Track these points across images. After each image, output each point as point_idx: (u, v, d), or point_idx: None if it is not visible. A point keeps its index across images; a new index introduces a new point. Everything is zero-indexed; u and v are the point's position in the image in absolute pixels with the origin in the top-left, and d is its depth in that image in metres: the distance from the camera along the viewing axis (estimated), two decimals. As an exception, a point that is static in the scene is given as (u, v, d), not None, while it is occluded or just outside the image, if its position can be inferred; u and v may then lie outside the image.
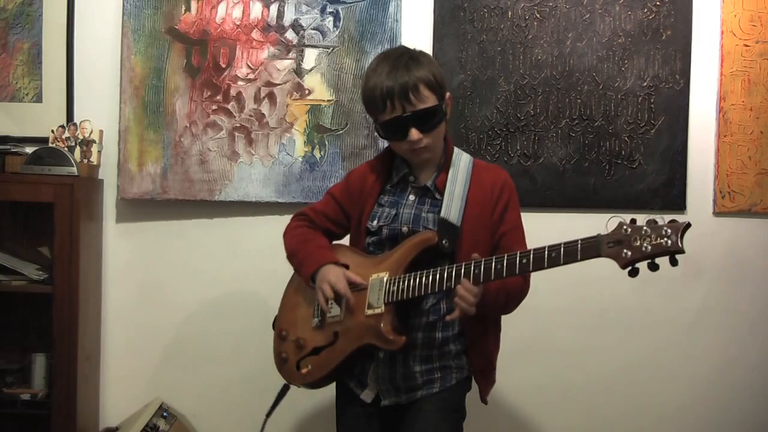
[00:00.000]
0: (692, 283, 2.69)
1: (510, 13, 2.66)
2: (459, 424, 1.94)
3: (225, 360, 2.74)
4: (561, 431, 2.72)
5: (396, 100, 1.79)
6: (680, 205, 2.67)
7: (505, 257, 1.66)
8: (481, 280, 1.69)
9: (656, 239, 1.49)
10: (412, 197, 1.91)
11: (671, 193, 2.65)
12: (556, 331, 2.69)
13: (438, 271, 1.75)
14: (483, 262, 1.68)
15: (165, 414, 2.60)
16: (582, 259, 1.57)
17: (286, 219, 2.68)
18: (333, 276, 1.85)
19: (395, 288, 1.79)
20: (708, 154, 2.68)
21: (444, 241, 1.80)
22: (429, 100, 1.81)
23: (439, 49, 2.66)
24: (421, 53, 1.89)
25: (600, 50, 2.65)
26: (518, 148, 2.66)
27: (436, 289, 1.75)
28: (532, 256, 1.62)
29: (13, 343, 2.68)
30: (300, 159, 2.67)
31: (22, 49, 2.70)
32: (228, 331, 2.73)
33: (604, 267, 2.66)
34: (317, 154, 2.67)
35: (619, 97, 2.65)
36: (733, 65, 2.66)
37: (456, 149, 1.94)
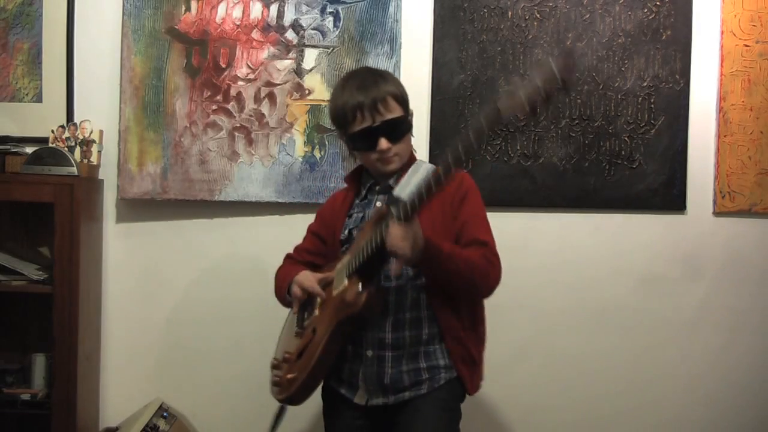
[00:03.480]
0: (692, 283, 2.69)
1: (510, 13, 2.66)
2: (456, 425, 1.94)
3: (225, 360, 2.74)
4: (560, 431, 2.72)
5: (366, 111, 1.87)
6: (680, 205, 2.66)
7: (431, 173, 1.62)
8: (409, 211, 1.65)
9: (544, 75, 1.43)
10: (378, 203, 1.95)
11: (671, 193, 2.65)
12: (556, 331, 2.69)
13: (378, 226, 1.74)
14: (407, 199, 1.66)
15: (165, 414, 2.59)
16: (489, 129, 1.51)
17: (286, 219, 2.71)
18: (301, 277, 1.95)
19: (354, 261, 1.83)
20: (708, 154, 2.68)
21: (392, 210, 1.77)
22: (396, 110, 1.89)
23: (439, 49, 2.66)
24: (387, 72, 2.03)
25: (600, 50, 2.65)
26: (518, 148, 2.66)
27: (378, 239, 1.73)
28: (449, 155, 1.57)
29: (13, 343, 2.68)
30: (300, 159, 2.67)
31: (22, 49, 2.70)
32: (228, 331, 2.73)
33: (604, 267, 2.68)
34: (317, 154, 2.67)
35: (619, 97, 2.65)
36: (733, 65, 2.66)
37: (419, 159, 1.98)
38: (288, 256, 2.17)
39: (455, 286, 1.84)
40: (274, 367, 2.03)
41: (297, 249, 2.16)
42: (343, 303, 1.82)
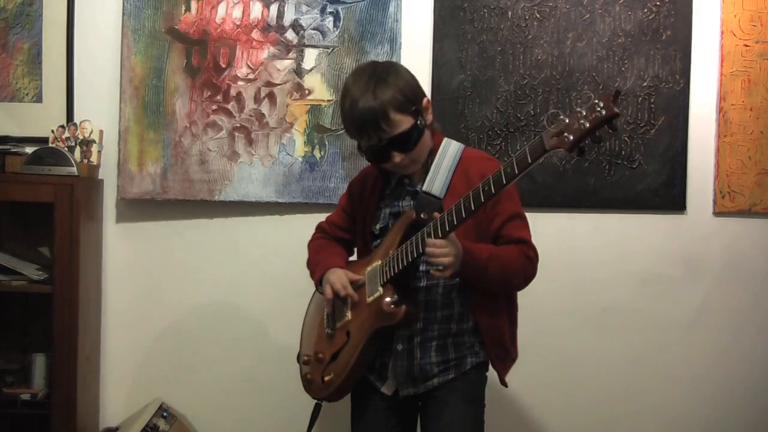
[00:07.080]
0: (692, 283, 2.69)
1: (510, 13, 2.66)
2: (481, 415, 1.97)
3: (225, 360, 2.74)
4: (561, 431, 2.72)
5: (369, 130, 1.79)
6: (680, 205, 2.66)
7: (471, 193, 1.67)
8: (448, 228, 1.70)
9: (591, 114, 1.50)
10: (408, 199, 1.94)
11: (671, 193, 2.65)
12: (557, 331, 2.69)
13: (414, 237, 1.78)
14: (446, 213, 1.71)
15: (165, 414, 2.59)
16: (533, 161, 1.57)
17: (286, 219, 2.72)
18: (333, 276, 1.94)
19: (387, 268, 1.84)
20: (708, 154, 2.68)
21: (422, 215, 1.81)
22: (402, 123, 1.79)
23: (439, 49, 2.66)
24: (389, 68, 1.87)
25: (600, 50, 2.65)
26: (518, 148, 2.66)
27: (416, 251, 1.77)
28: (491, 179, 1.64)
29: (13, 343, 2.68)
30: (300, 159, 2.67)
31: (22, 49, 2.70)
32: (228, 331, 2.73)
33: (604, 267, 2.68)
34: (317, 154, 2.67)
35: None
36: (733, 65, 2.66)
37: (445, 140, 1.93)
38: (320, 228, 2.16)
39: (494, 287, 1.87)
40: (305, 363, 2.05)
41: (328, 221, 2.14)
42: (381, 314, 1.83)
